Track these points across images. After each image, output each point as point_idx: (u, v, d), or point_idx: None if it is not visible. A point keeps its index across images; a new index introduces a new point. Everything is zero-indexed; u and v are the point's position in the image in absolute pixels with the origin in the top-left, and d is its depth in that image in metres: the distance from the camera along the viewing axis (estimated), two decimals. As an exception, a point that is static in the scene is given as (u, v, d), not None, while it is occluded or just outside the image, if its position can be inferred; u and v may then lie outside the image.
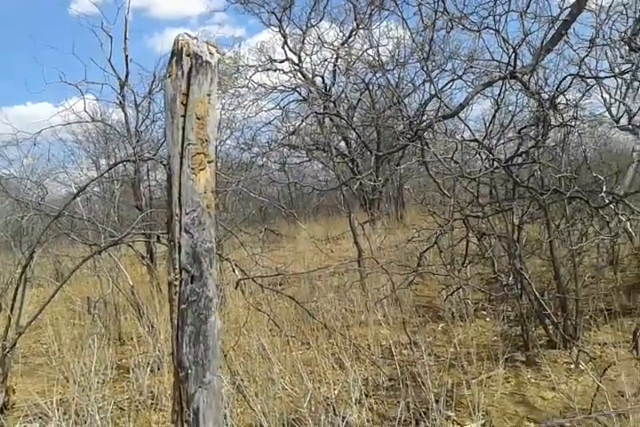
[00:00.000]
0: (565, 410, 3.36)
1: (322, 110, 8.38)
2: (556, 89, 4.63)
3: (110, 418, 3.44)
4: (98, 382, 3.81)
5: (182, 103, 1.40)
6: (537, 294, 4.11)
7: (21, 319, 4.17)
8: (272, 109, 14.22)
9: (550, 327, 4.48)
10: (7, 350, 3.86)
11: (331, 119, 12.36)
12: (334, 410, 3.06)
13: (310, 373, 3.62)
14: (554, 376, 3.79)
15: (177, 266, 1.39)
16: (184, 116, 1.40)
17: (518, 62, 4.84)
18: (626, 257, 6.59)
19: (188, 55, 1.40)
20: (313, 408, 3.13)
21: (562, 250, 5.07)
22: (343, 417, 3.01)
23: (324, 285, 6.60)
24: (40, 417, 3.56)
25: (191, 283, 1.39)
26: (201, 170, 1.41)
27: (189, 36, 1.43)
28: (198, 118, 1.40)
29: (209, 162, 1.43)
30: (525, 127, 5.07)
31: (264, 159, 13.53)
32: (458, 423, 3.27)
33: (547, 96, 4.71)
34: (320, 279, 6.88)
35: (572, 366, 4.04)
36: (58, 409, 3.39)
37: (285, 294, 4.01)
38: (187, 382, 1.38)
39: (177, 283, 1.38)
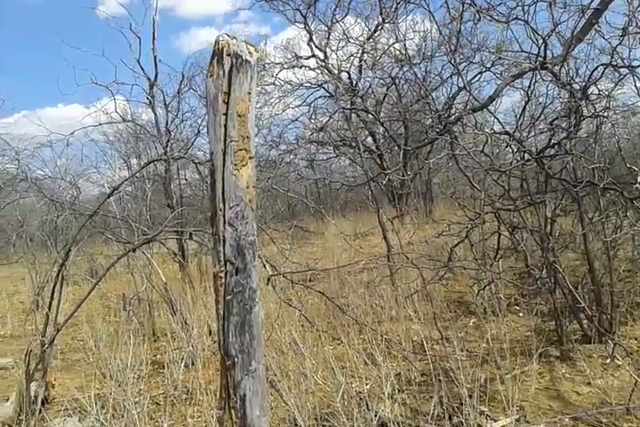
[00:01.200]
0: (601, 405, 3.30)
1: (349, 106, 8.36)
2: (588, 79, 4.53)
3: (146, 413, 3.50)
4: (134, 378, 3.89)
5: (224, 101, 1.43)
6: (571, 287, 4.04)
7: (59, 317, 4.27)
8: (299, 106, 14.25)
9: (585, 322, 4.41)
10: (46, 346, 3.96)
11: (358, 115, 12.33)
12: (367, 405, 3.06)
13: (342, 368, 3.63)
14: (589, 371, 3.73)
15: (222, 258, 1.42)
16: (226, 114, 1.43)
17: (548, 53, 4.76)
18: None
19: (229, 55, 1.42)
20: (346, 403, 3.14)
21: (596, 243, 4.98)
22: (376, 412, 3.01)
23: (353, 280, 6.60)
24: (79, 411, 3.65)
25: (236, 275, 1.42)
26: (243, 166, 1.44)
27: (229, 36, 1.46)
28: (239, 116, 1.43)
29: (250, 158, 1.46)
30: (557, 119, 4.98)
31: (291, 156, 13.59)
32: (492, 419, 3.24)
33: (578, 87, 4.63)
34: (350, 275, 6.89)
35: (608, 360, 3.97)
36: (95, 404, 3.47)
37: (316, 290, 4.02)
38: (233, 369, 1.42)
39: (222, 275, 1.42)
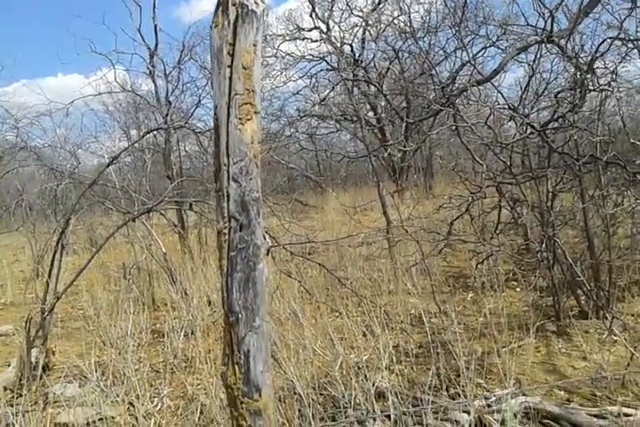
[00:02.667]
0: (597, 380, 3.33)
1: (351, 77, 8.26)
2: (595, 52, 4.46)
3: (146, 380, 3.54)
4: (133, 346, 3.93)
5: (229, 53, 1.39)
6: (570, 261, 4.05)
7: (58, 285, 4.29)
8: (300, 79, 14.09)
9: (582, 298, 4.44)
10: (46, 313, 3.99)
11: (359, 88, 12.18)
12: (365, 375, 3.10)
13: (341, 339, 3.66)
14: (585, 346, 3.77)
15: (225, 214, 1.41)
16: (230, 67, 1.39)
17: (555, 27, 4.68)
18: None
19: (234, 4, 1.38)
20: (344, 372, 3.18)
21: (596, 220, 4.98)
22: (373, 382, 3.04)
23: (352, 254, 6.62)
24: (79, 378, 3.69)
25: (240, 231, 1.41)
26: (248, 120, 1.41)
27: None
28: (245, 68, 1.39)
29: (255, 112, 1.43)
30: (562, 91, 4.91)
31: (292, 129, 13.49)
32: (488, 390, 3.28)
33: (584, 61, 4.56)
34: (349, 249, 6.91)
35: (605, 336, 4.01)
36: (96, 371, 3.51)
37: (315, 261, 4.03)
38: (237, 326, 1.42)
39: (226, 231, 1.41)
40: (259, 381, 1.45)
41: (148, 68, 9.13)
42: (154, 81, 9.12)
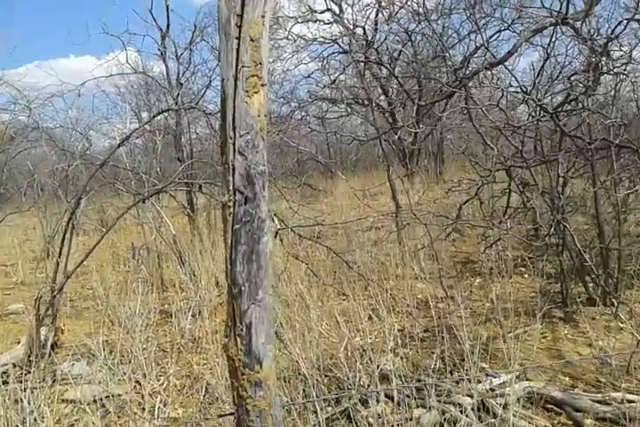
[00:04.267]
0: (602, 366, 3.34)
1: (363, 60, 8.17)
2: (611, 33, 4.38)
3: (153, 359, 3.59)
4: (141, 326, 3.97)
5: (237, 25, 1.37)
6: (579, 246, 4.02)
7: (68, 265, 4.32)
8: (311, 62, 13.95)
9: (590, 285, 4.42)
10: (56, 292, 4.03)
11: (371, 71, 12.05)
12: (370, 358, 3.11)
13: (346, 322, 3.68)
14: (591, 333, 3.76)
15: (231, 187, 1.41)
16: (238, 38, 1.37)
17: (570, 9, 4.60)
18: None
19: None
20: (349, 354, 3.20)
21: (607, 207, 4.94)
22: (378, 365, 3.06)
23: (360, 238, 6.62)
24: (87, 356, 3.74)
25: (245, 204, 1.41)
26: (255, 93, 1.40)
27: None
28: (252, 40, 1.38)
29: (262, 85, 1.41)
30: (576, 74, 4.85)
31: (302, 113, 13.40)
32: (492, 375, 3.29)
33: (599, 43, 4.48)
34: (357, 233, 6.91)
35: (611, 324, 4.00)
36: (104, 349, 3.55)
37: (323, 244, 4.04)
38: (240, 298, 1.44)
39: (231, 204, 1.41)
40: (260, 352, 1.46)
41: (159, 49, 9.09)
42: (165, 63, 9.08)
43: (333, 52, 13.71)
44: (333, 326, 3.57)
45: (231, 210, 1.42)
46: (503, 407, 2.72)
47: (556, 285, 4.74)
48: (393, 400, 2.83)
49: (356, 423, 2.73)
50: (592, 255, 4.48)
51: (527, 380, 3.16)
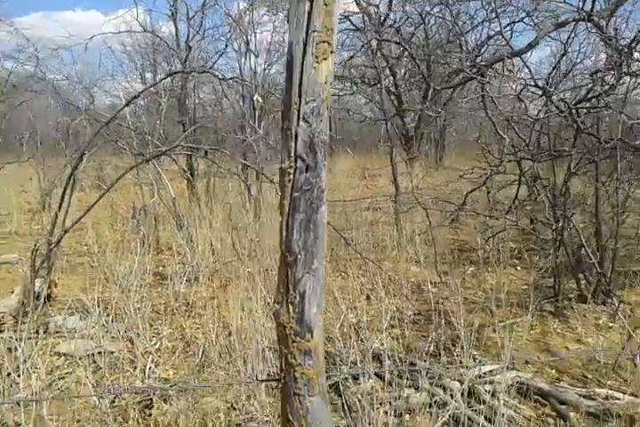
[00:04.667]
0: (588, 362, 3.39)
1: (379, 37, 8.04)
2: (638, 32, 4.33)
3: (147, 320, 3.60)
4: (136, 285, 3.97)
5: None
6: (584, 242, 4.04)
7: (66, 220, 4.29)
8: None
9: (583, 282, 4.46)
10: (53, 245, 4.01)
11: (381, 52, 11.86)
12: (364, 336, 3.14)
13: (342, 299, 3.70)
14: (581, 329, 3.82)
15: (292, 154, 1.39)
16: (311, 1, 1.34)
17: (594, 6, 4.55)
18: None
19: None
20: (344, 330, 3.23)
21: (606, 207, 4.96)
22: (371, 345, 3.09)
23: (359, 218, 6.63)
24: (81, 311, 3.73)
25: (306, 172, 1.40)
26: (324, 59, 1.37)
27: None
28: (326, 4, 1.34)
29: (332, 52, 1.38)
30: (599, 71, 4.81)
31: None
32: (480, 362, 3.33)
33: (623, 43, 4.44)
34: (355, 213, 6.91)
35: (600, 322, 4.05)
36: (98, 306, 3.55)
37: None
38: (295, 266, 1.44)
39: (291, 171, 1.39)
40: (312, 322, 1.47)
41: (170, 10, 8.94)
42: (175, 24, 8.95)
43: (345, 29, 13.51)
44: (331, 301, 3.58)
45: (290, 177, 1.40)
46: (491, 395, 2.77)
47: (549, 279, 4.78)
48: (384, 380, 2.86)
49: (345, 398, 2.76)
50: (587, 253, 4.51)
51: (515, 369, 3.21)
